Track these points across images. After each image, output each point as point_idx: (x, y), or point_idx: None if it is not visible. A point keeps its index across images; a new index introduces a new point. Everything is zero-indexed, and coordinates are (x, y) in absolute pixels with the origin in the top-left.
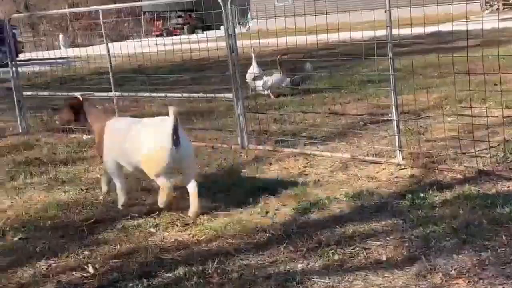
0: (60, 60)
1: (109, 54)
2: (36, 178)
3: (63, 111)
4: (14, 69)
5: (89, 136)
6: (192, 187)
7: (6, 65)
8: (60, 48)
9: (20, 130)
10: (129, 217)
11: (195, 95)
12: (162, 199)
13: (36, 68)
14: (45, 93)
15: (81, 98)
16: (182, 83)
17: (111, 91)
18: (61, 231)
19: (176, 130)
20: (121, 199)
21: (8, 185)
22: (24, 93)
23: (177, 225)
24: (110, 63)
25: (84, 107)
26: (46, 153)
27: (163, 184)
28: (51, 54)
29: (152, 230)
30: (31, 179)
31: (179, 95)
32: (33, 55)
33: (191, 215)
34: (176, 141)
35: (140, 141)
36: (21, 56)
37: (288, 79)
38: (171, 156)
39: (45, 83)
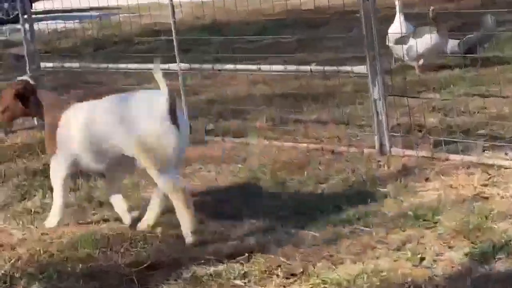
0: (94, 13)
1: (171, 3)
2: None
3: (2, 103)
4: (27, 26)
5: None
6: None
7: (16, 20)
8: None
9: (36, 122)
10: (202, 261)
11: (305, 68)
12: (183, 210)
13: (60, 23)
14: (74, 64)
15: (31, 82)
16: (284, 48)
17: (175, 61)
18: (98, 281)
19: (173, 104)
20: (55, 218)
21: (18, 207)
22: (42, 64)
23: (277, 275)
24: (173, 17)
25: (37, 94)
26: None
27: (173, 185)
28: (82, 2)
29: (238, 282)
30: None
31: (280, 68)
32: (55, 4)
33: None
34: (173, 117)
35: (130, 120)
36: (37, 7)
37: (455, 42)
38: (174, 137)
39: (72, 48)
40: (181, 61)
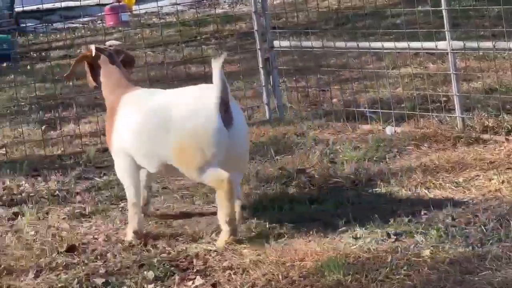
0: None
1: None
2: (301, 206)
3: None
4: None
5: None
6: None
7: None
8: None
9: (268, 115)
10: None
11: None
12: (226, 199)
13: None
14: (314, 43)
15: (93, 50)
16: None
17: (444, 38)
18: None
19: (226, 101)
20: (133, 226)
21: (251, 220)
22: (276, 43)
23: None
24: None
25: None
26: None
27: (217, 177)
28: None
29: None
30: (291, 211)
31: None
32: None
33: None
34: (227, 117)
35: (170, 122)
36: None
37: None
38: (221, 141)
39: (308, 23)
40: (452, 38)
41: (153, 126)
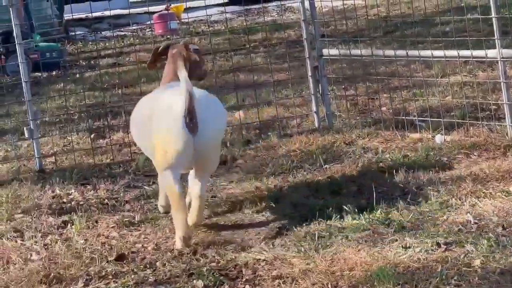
0: None
1: None
2: (350, 216)
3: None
4: (306, 3)
5: None
6: (197, 189)
7: None
8: None
9: (317, 123)
10: None
11: None
12: (161, 201)
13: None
14: (364, 51)
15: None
16: None
17: (494, 46)
18: None
19: (191, 111)
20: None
21: (300, 230)
22: (325, 51)
23: None
24: None
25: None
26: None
27: (170, 187)
28: None
29: None
30: (340, 219)
31: None
32: None
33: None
34: (192, 125)
35: (153, 115)
36: None
37: None
38: (183, 147)
39: (357, 31)
40: (502, 46)
41: (143, 117)
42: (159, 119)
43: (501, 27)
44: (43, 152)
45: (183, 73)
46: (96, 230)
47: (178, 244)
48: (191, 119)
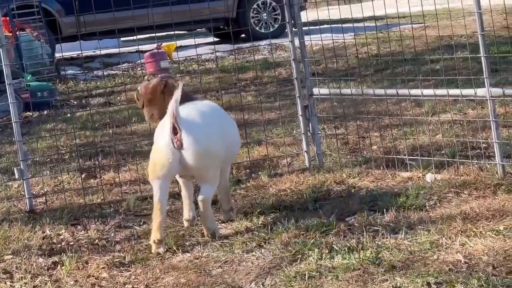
0: (368, 24)
1: (480, 12)
2: (340, 255)
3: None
4: (296, 41)
5: None
6: (198, 195)
7: (278, 33)
8: None
9: (307, 162)
10: None
11: None
12: (154, 216)
13: (327, 38)
14: (353, 90)
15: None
16: None
17: (483, 85)
18: None
19: (175, 127)
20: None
21: (290, 270)
22: (315, 90)
23: None
24: (482, 29)
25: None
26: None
27: (154, 195)
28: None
29: None
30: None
31: None
32: (322, 13)
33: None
34: (175, 140)
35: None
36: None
37: None
38: (168, 161)
39: (347, 69)
40: (491, 85)
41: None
42: (156, 136)
43: (489, 66)
44: (34, 192)
45: (176, 94)
46: (86, 271)
47: (153, 247)
48: (175, 135)
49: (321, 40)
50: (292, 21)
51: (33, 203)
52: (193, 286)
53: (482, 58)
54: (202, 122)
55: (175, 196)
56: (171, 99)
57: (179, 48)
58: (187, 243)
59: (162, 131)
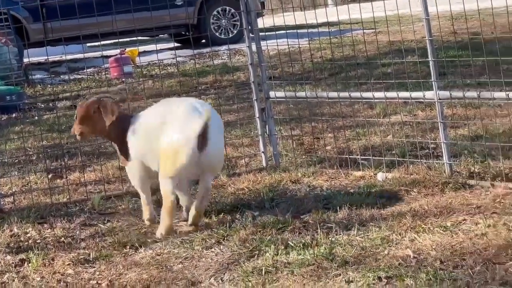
0: (323, 29)
1: (427, 19)
2: (295, 251)
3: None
4: (254, 46)
5: None
6: (205, 182)
7: (237, 39)
8: (327, 5)
9: (264, 162)
10: None
11: None
12: (165, 214)
13: (283, 44)
14: (308, 93)
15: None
16: None
17: (431, 88)
18: None
19: (206, 131)
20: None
21: (247, 266)
22: (272, 93)
23: None
24: (430, 34)
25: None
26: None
27: (167, 193)
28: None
29: None
30: (286, 255)
31: None
32: (280, 19)
33: (193, 215)
34: (202, 143)
35: (164, 131)
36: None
37: None
38: (190, 163)
39: (303, 73)
40: (439, 87)
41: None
42: (174, 131)
43: (437, 69)
44: (2, 192)
45: (206, 116)
46: (52, 267)
47: (158, 234)
48: (203, 139)
49: (277, 45)
50: (249, 27)
51: (1, 203)
52: (155, 281)
53: (430, 62)
54: (218, 127)
55: (137, 194)
56: (107, 118)
57: (142, 53)
58: (149, 240)
59: (184, 130)
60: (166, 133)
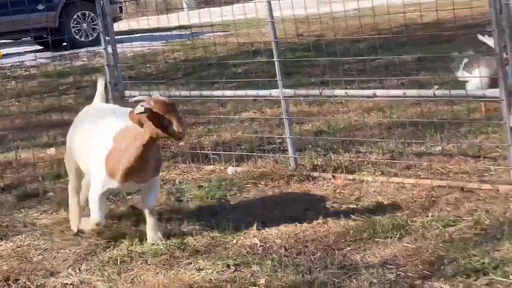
0: (182, 32)
1: (272, 21)
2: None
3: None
4: (110, 48)
5: None
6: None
7: (96, 42)
8: (182, 10)
9: None
10: None
11: (427, 92)
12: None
13: (143, 45)
14: (162, 92)
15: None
16: (402, 69)
17: (277, 86)
18: None
19: None
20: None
21: (103, 256)
22: (127, 92)
23: None
24: (276, 36)
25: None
26: None
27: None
28: (170, 20)
29: None
30: (141, 246)
31: (397, 92)
32: (140, 23)
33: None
34: None
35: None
36: (120, 27)
37: None
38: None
39: (159, 73)
40: (284, 86)
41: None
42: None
43: (283, 69)
44: None
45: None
46: None
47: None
48: None
49: (132, 47)
50: (106, 31)
51: None
52: (15, 272)
53: (276, 62)
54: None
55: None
56: None
57: (5, 56)
58: (10, 233)
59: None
60: None
